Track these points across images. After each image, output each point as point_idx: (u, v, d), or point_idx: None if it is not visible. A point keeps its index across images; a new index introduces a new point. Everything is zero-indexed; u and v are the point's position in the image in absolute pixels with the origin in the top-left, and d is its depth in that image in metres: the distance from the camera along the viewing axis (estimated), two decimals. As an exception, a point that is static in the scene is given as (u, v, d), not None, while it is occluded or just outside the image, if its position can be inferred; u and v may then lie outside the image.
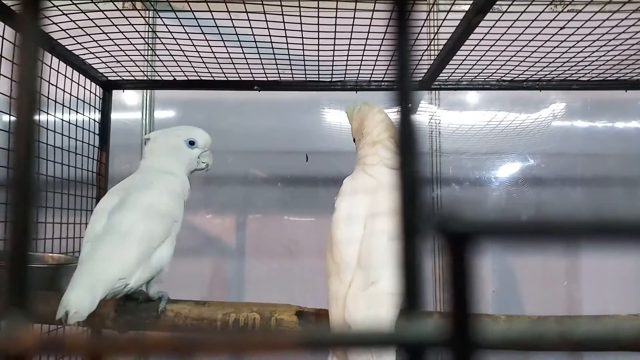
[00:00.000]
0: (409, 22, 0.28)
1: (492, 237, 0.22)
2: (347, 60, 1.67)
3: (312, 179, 2.23)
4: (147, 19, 1.77)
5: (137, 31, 1.54)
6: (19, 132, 0.24)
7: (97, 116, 1.88)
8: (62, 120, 1.67)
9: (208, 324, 1.11)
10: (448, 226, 0.22)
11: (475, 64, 1.71)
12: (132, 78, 1.86)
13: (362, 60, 1.66)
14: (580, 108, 2.26)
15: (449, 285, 0.21)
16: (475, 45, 1.57)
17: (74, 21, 1.45)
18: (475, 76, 1.82)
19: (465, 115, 2.29)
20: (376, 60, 1.67)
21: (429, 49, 1.71)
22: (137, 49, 1.64)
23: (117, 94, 2.00)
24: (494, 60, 1.67)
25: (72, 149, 1.71)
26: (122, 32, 1.54)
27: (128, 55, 1.68)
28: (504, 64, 1.70)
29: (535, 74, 1.79)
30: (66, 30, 1.49)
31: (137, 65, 1.77)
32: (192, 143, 1.43)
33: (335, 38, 1.51)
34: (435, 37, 1.78)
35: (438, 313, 1.16)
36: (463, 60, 1.68)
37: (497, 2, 1.30)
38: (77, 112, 1.74)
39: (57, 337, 0.20)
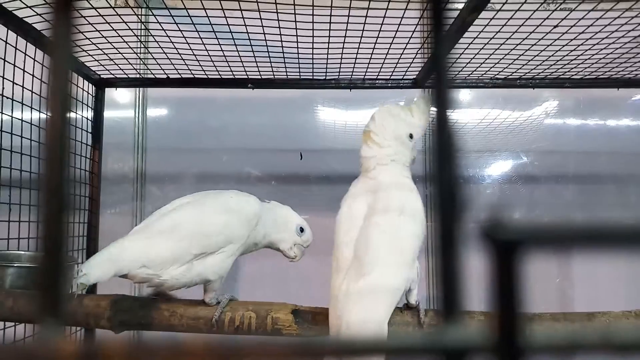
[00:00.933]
0: (444, 21, 0.28)
1: (541, 245, 0.22)
2: (341, 58, 1.67)
3: (306, 177, 2.23)
4: (139, 17, 1.77)
5: (130, 29, 1.53)
6: (51, 138, 0.24)
7: (89, 114, 1.87)
8: (55, 118, 1.65)
9: (204, 323, 1.10)
10: (496, 234, 0.21)
11: (469, 62, 1.72)
12: (125, 76, 1.85)
13: (356, 57, 1.66)
14: (573, 106, 2.27)
15: (496, 292, 0.21)
16: (469, 44, 1.58)
17: (74, 24, 1.43)
18: (469, 74, 1.83)
19: (459, 113, 2.29)
20: (370, 58, 1.67)
21: (422, 47, 1.70)
22: (130, 47, 1.63)
23: (109, 92, 1.98)
24: (488, 58, 1.68)
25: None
26: (115, 30, 1.53)
27: (121, 53, 1.67)
28: (497, 62, 1.71)
29: (528, 72, 1.80)
30: (58, 28, 1.47)
31: (130, 63, 1.75)
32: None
33: (329, 36, 1.51)
34: (430, 35, 1.78)
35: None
36: (457, 58, 1.68)
37: (492, 1, 1.31)
38: (69, 110, 1.72)
39: (94, 346, 0.20)
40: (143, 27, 1.78)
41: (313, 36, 1.51)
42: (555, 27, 1.50)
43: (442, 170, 0.25)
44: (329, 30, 1.48)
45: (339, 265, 1.11)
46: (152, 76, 1.85)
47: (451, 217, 0.24)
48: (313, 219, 2.26)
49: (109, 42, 1.59)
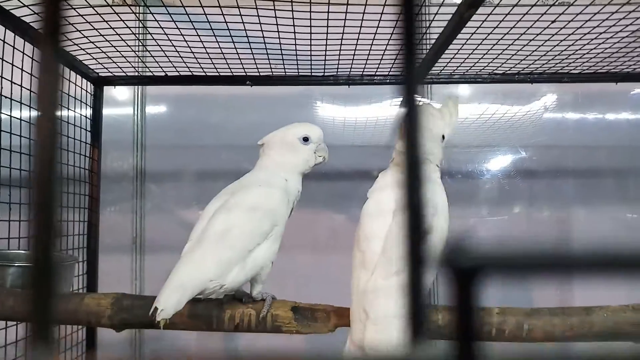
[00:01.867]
0: (415, 15, 0.28)
1: (498, 272, 0.22)
2: (339, 55, 1.67)
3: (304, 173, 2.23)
4: (137, 15, 1.76)
5: (127, 27, 1.53)
6: (41, 133, 0.24)
7: (88, 112, 1.87)
8: (53, 117, 1.65)
9: (204, 321, 1.11)
10: (455, 260, 0.22)
11: (467, 58, 1.72)
12: (123, 74, 1.85)
13: (354, 54, 1.66)
14: (571, 100, 2.27)
15: (454, 315, 0.21)
16: (467, 39, 1.58)
17: (63, 17, 1.43)
18: (468, 69, 1.83)
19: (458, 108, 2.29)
20: (369, 55, 1.67)
21: (420, 42, 1.71)
22: (128, 45, 1.63)
23: (107, 90, 1.98)
24: (486, 53, 1.68)
25: (63, 146, 1.70)
26: (112, 28, 1.52)
27: (119, 51, 1.67)
28: (496, 57, 1.71)
29: (526, 67, 1.80)
30: (56, 27, 1.47)
31: (128, 62, 1.75)
32: (305, 139, 1.39)
33: (327, 33, 1.50)
34: (428, 31, 1.78)
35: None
36: (455, 53, 1.68)
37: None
38: (68, 108, 1.72)
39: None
40: (141, 25, 1.78)
41: (310, 32, 1.50)
42: (553, 22, 1.49)
43: (409, 190, 0.25)
44: (327, 27, 1.47)
45: (366, 259, 1.11)
46: (150, 74, 1.85)
47: (417, 241, 0.24)
48: (312, 216, 2.27)
49: (107, 40, 1.59)
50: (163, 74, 1.84)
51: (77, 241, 1.78)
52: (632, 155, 2.29)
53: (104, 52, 1.67)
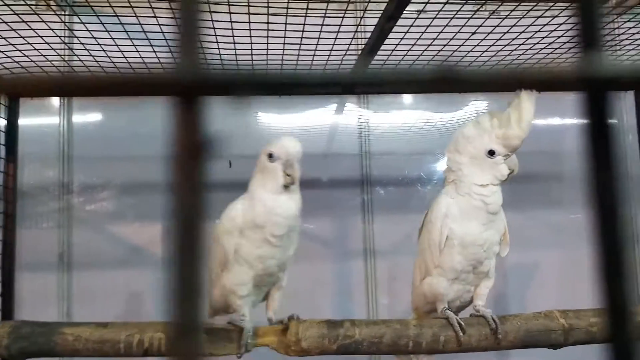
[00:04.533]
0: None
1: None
2: (267, 59, 1.65)
3: (235, 184, 2.18)
4: (62, 18, 1.68)
5: (51, 29, 1.46)
6: None
7: (2, 125, 1.76)
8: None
9: (110, 347, 1.05)
10: None
11: (396, 67, 1.73)
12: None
13: (282, 57, 1.65)
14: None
15: None
16: (393, 50, 1.59)
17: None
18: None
19: (394, 116, 2.31)
20: (297, 61, 1.66)
21: (348, 50, 1.69)
22: (53, 50, 1.56)
23: (31, 100, 1.87)
24: (414, 63, 1.69)
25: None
26: (34, 31, 1.45)
27: (44, 56, 1.59)
28: (424, 67, 1.72)
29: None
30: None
31: (54, 65, 1.66)
32: (270, 156, 1.24)
33: (250, 36, 1.48)
34: (358, 41, 1.79)
35: None
36: (383, 63, 1.69)
37: (409, 7, 1.32)
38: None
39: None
40: (67, 29, 1.70)
41: (233, 36, 1.48)
42: (480, 27, 1.52)
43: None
44: (249, 30, 1.45)
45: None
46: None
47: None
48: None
49: (29, 44, 1.50)
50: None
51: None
52: (559, 160, 2.37)
53: (24, 55, 1.58)
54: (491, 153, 1.22)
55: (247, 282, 1.21)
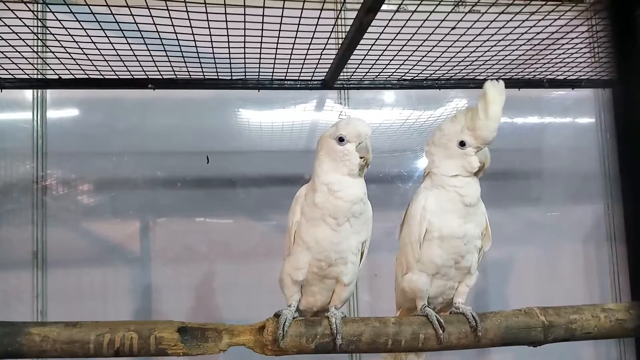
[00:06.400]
0: None
1: None
2: (244, 58, 1.61)
3: (212, 180, 2.15)
4: (35, 12, 1.62)
5: (25, 25, 1.41)
6: None
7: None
8: None
9: (80, 347, 1.02)
10: None
11: (374, 64, 1.71)
12: (10, 76, 1.70)
13: (260, 57, 1.61)
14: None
15: None
16: (372, 45, 1.57)
17: None
18: (376, 76, 1.82)
19: (374, 113, 2.30)
20: (275, 58, 1.63)
21: (326, 47, 1.67)
22: (27, 44, 1.50)
23: (6, 93, 1.81)
24: (392, 60, 1.68)
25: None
26: (7, 26, 1.40)
27: (17, 50, 1.53)
28: (402, 64, 1.71)
29: (433, 73, 1.82)
30: None
31: (27, 61, 1.61)
32: (341, 140, 1.20)
33: (228, 35, 1.45)
34: (338, 37, 1.77)
35: None
36: (362, 60, 1.67)
37: (386, 2, 1.30)
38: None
39: None
40: (40, 23, 1.65)
41: (210, 35, 1.44)
42: (453, 28, 1.52)
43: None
44: (227, 29, 1.42)
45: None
46: (42, 77, 1.72)
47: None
48: (216, 222, 2.19)
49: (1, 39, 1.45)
50: (57, 77, 1.71)
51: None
52: (537, 157, 2.39)
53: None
54: (462, 144, 1.23)
55: (303, 267, 1.20)
